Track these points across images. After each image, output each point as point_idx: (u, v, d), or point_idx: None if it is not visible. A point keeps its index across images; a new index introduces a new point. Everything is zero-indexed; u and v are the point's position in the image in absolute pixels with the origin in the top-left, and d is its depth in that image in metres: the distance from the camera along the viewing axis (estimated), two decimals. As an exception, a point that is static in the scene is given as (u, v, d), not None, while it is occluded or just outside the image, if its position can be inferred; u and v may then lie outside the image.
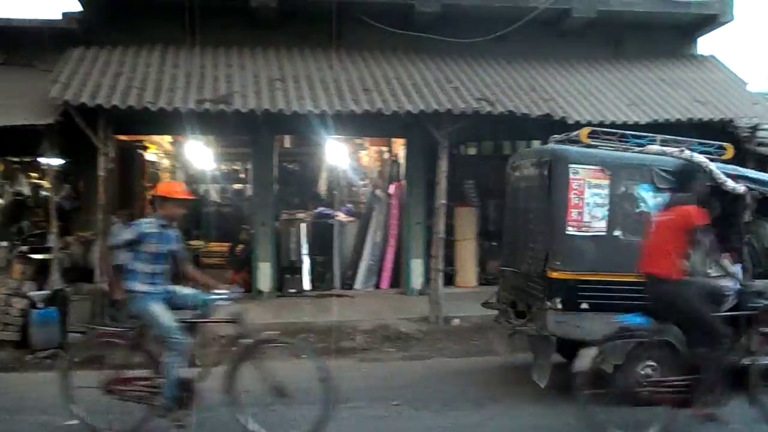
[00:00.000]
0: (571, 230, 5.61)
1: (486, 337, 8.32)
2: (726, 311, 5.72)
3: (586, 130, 6.09)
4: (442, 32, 9.71)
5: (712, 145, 6.37)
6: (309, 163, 14.43)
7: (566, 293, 5.56)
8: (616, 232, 5.69)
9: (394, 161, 11.52)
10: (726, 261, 5.96)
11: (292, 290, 10.37)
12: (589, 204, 5.65)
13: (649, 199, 5.76)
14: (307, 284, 10.55)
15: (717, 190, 5.81)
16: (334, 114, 8.45)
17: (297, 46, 9.82)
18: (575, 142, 6.09)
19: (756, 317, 5.64)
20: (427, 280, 9.32)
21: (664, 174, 5.79)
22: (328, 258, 10.86)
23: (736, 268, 5.95)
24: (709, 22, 10.55)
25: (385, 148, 12.40)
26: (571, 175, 5.64)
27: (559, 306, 5.54)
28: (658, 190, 5.76)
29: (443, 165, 8.69)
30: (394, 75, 9.30)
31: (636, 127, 8.69)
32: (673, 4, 10.14)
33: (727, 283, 5.82)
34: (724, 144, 6.49)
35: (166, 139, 12.91)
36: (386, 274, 10.86)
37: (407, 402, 5.75)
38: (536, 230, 6.04)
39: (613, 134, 6.25)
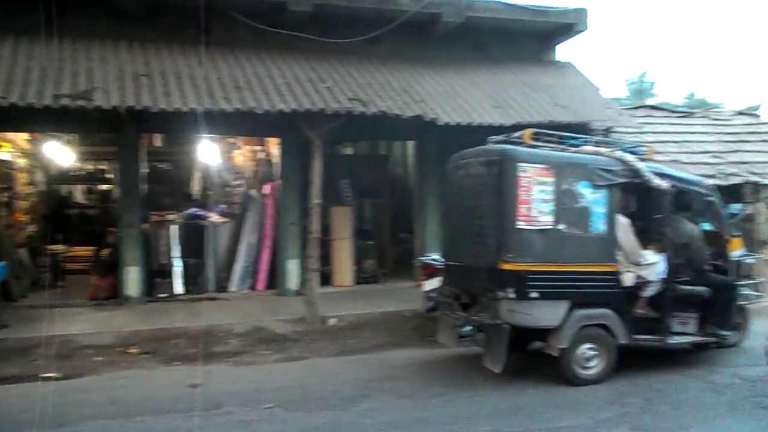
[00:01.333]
0: (520, 224, 5.97)
1: (362, 334, 8.46)
2: (650, 296, 6.52)
3: (529, 132, 6.47)
4: (315, 32, 9.69)
5: (637, 145, 7.18)
6: (181, 162, 13.94)
7: (517, 283, 5.92)
8: (561, 226, 6.11)
9: (269, 161, 11.38)
10: (651, 251, 6.61)
11: (163, 295, 9.99)
12: (536, 200, 6.03)
13: (589, 195, 6.26)
14: (179, 288, 10.18)
15: (644, 186, 6.51)
16: (204, 112, 8.18)
17: (164, 42, 9.44)
18: (516, 142, 6.45)
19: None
20: (304, 280, 9.28)
21: (600, 172, 6.30)
22: (201, 260, 10.54)
23: (660, 258, 6.59)
24: (567, 30, 11.23)
25: (259, 148, 12.22)
26: (520, 174, 5.99)
27: (512, 296, 5.90)
28: (596, 187, 6.27)
29: (317, 165, 8.68)
30: (266, 73, 9.16)
31: (501, 128, 9.10)
32: (534, 12, 10.70)
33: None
34: (646, 145, 7.27)
35: (21, 137, 12.01)
36: (262, 276, 10.71)
37: (281, 404, 5.69)
38: (486, 225, 6.30)
39: (552, 135, 6.68)
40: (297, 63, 9.64)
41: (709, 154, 11.62)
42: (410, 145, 12.35)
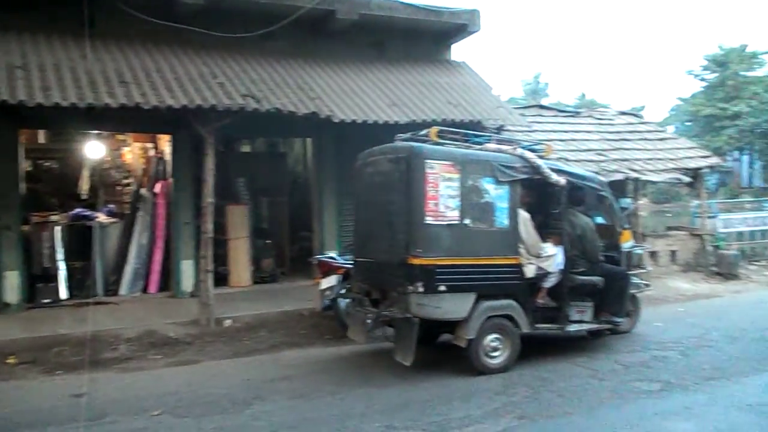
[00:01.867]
0: (428, 220, 6.13)
1: (258, 335, 8.31)
2: (550, 287, 6.92)
3: (435, 130, 6.69)
4: (207, 26, 9.39)
5: (536, 144, 7.49)
6: (67, 160, 13.18)
7: (426, 277, 6.05)
8: (467, 221, 6.33)
9: (160, 158, 10.96)
10: (550, 244, 6.92)
11: (46, 300, 9.40)
12: (443, 196, 6.21)
13: (492, 191, 6.50)
14: (63, 293, 9.61)
15: (543, 182, 6.81)
16: (87, 107, 7.79)
17: (43, 32, 8.85)
18: (423, 140, 6.57)
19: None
20: (198, 281, 9.01)
21: (503, 168, 6.57)
22: (88, 263, 9.99)
23: (558, 250, 6.89)
24: (461, 31, 11.49)
25: (150, 145, 11.74)
26: (428, 170, 6.14)
27: (421, 290, 6.02)
28: (499, 183, 6.53)
29: (210, 162, 8.44)
30: (155, 68, 8.81)
31: (396, 126, 9.20)
32: (428, 12, 10.85)
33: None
34: (544, 143, 7.60)
35: None
36: (154, 278, 10.30)
37: (169, 410, 5.50)
38: (395, 221, 6.38)
39: (457, 133, 6.91)
40: (188, 57, 9.33)
41: (593, 152, 12.24)
42: (309, 142, 12.25)
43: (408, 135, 6.91)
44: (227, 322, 8.59)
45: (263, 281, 10.99)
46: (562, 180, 6.92)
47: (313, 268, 9.31)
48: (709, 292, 11.14)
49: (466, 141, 6.94)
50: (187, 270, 9.96)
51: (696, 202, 14.49)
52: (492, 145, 7.06)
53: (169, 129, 9.96)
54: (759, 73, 53.86)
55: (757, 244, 14.90)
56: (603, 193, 7.74)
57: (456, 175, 6.30)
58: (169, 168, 10.43)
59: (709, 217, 13.91)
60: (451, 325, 6.50)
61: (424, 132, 6.74)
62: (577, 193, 7.31)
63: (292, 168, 13.93)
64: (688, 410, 5.25)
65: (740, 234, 14.58)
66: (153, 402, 5.73)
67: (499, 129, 10.14)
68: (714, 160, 13.67)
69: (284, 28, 9.69)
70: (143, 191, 10.77)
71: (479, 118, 10.09)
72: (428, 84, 10.67)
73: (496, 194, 6.52)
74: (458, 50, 11.68)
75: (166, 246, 10.31)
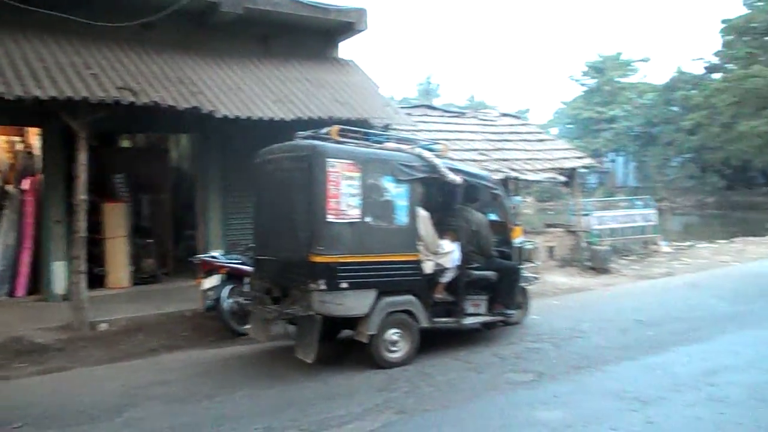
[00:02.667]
0: (330, 218, 6.15)
1: (135, 338, 7.97)
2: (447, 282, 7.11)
3: (336, 128, 6.66)
4: (81, 14, 8.83)
5: (433, 143, 7.71)
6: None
7: (328, 275, 6.11)
8: (368, 219, 6.40)
9: (29, 153, 10.28)
10: (447, 241, 7.08)
11: None
12: (345, 194, 6.25)
13: (392, 189, 6.60)
14: None
15: (440, 180, 6.97)
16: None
17: None
18: (323, 138, 6.57)
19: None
20: (71, 283, 8.51)
21: (402, 167, 6.68)
22: (-54, 266, 9.25)
23: (455, 246, 7.07)
24: (348, 29, 11.49)
25: (17, 138, 10.99)
26: (329, 169, 6.17)
27: (323, 287, 6.07)
28: (398, 181, 6.63)
29: (82, 157, 7.98)
30: (21, 56, 8.21)
31: (282, 123, 9.09)
32: (315, 9, 10.78)
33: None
34: (441, 143, 7.87)
35: None
36: (22, 280, 9.64)
37: (32, 422, 5.16)
38: (297, 219, 6.39)
39: (358, 132, 6.96)
40: (59, 46, 8.76)
41: (476, 152, 12.63)
42: (193, 138, 11.87)
43: (308, 133, 6.90)
44: (102, 326, 8.17)
45: (144, 282, 10.55)
46: (458, 178, 7.12)
47: (197, 268, 9.04)
48: (582, 286, 11.75)
49: (366, 140, 7.02)
50: (58, 272, 9.39)
51: (573, 200, 15.26)
52: (391, 145, 7.15)
53: (39, 122, 9.36)
54: (632, 79, 57.75)
55: (628, 240, 15.89)
56: (496, 191, 8.05)
57: (357, 174, 6.36)
58: (38, 163, 9.79)
59: (584, 215, 14.71)
60: (353, 322, 6.56)
61: (325, 130, 6.76)
62: (473, 191, 7.56)
63: (176, 164, 13.46)
64: (556, 399, 5.50)
65: (613, 230, 15.49)
66: (15, 414, 5.36)
67: (386, 127, 10.23)
68: (588, 161, 14.47)
69: (166, 19, 9.31)
70: (9, 188, 10.06)
71: (366, 116, 10.14)
72: (315, 81, 10.60)
73: (396, 193, 6.63)
74: (347, 48, 11.74)
75: (36, 246, 9.68)
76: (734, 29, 32.29)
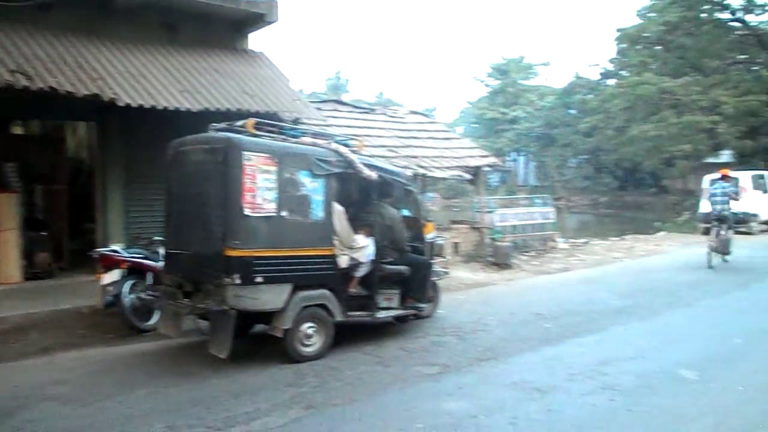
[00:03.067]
0: (246, 211, 6.10)
1: (28, 337, 7.56)
2: (361, 276, 7.24)
3: (251, 121, 6.56)
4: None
5: (349, 139, 7.71)
6: None
7: (243, 269, 6.06)
8: (284, 213, 6.38)
9: None
10: (362, 235, 7.15)
11: None
12: (261, 188, 6.21)
13: (308, 183, 6.61)
14: None
15: (355, 176, 7.00)
16: None
17: None
18: (239, 131, 6.45)
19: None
20: (-46, 279, 7.97)
21: (319, 162, 6.69)
22: None
23: (370, 241, 7.16)
24: (258, 20, 11.33)
25: None
26: (245, 162, 6.12)
27: (238, 281, 6.01)
28: (315, 176, 6.65)
29: (-33, 145, 7.50)
30: None
31: (188, 114, 8.85)
32: (224, -1, 10.56)
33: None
34: (357, 138, 7.94)
35: None
36: None
37: None
38: (211, 212, 6.29)
39: (273, 126, 6.90)
40: (-56, 26, 8.18)
41: (385, 148, 12.77)
42: (93, 127, 11.33)
43: (223, 125, 6.77)
44: (-10, 324, 7.69)
45: (37, 277, 9.99)
46: (373, 174, 7.19)
47: (96, 262, 8.66)
48: (486, 281, 12.13)
49: (283, 134, 6.97)
50: (-59, 267, 8.76)
51: (477, 197, 15.70)
52: (308, 139, 7.14)
53: None
54: (534, 82, 59.93)
55: (528, 236, 16.52)
56: (409, 187, 8.20)
57: (273, 168, 6.33)
58: None
59: (488, 212, 15.17)
60: (267, 316, 6.52)
61: (240, 123, 6.67)
62: (387, 187, 7.66)
63: (74, 154, 12.83)
64: (461, 390, 5.67)
65: (514, 227, 16.06)
66: None
67: (296, 122, 10.16)
68: (492, 160, 14.95)
69: (65, 1, 8.87)
70: None
71: (275, 109, 10.05)
72: (223, 72, 10.39)
73: (312, 187, 6.65)
74: (257, 40, 11.53)
75: None
76: (628, 38, 34.06)
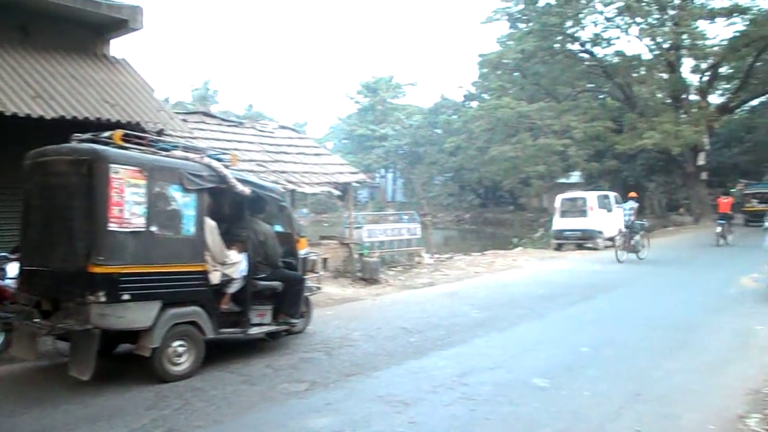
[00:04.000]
0: (112, 227, 5.84)
1: None
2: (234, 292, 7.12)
3: (119, 133, 6.31)
4: None
5: (221, 153, 7.56)
6: None
7: (109, 286, 5.80)
8: (153, 228, 6.16)
9: None
10: (234, 251, 7.01)
11: None
12: (129, 202, 5.98)
13: (180, 198, 6.42)
14: None
15: (228, 191, 6.90)
16: None
17: None
18: (105, 142, 6.11)
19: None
20: None
21: (190, 177, 6.51)
22: None
23: (242, 257, 7.05)
24: (121, 26, 10.82)
25: None
26: (112, 175, 5.86)
27: (103, 299, 5.75)
28: (186, 190, 6.46)
29: None
30: None
31: (42, 121, 8.32)
32: (84, 1, 10.01)
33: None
34: (231, 153, 7.82)
35: None
36: None
37: None
38: (74, 227, 5.99)
39: (143, 138, 6.67)
40: None
41: (254, 163, 12.62)
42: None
43: (87, 136, 6.41)
44: None
45: None
46: (246, 189, 7.10)
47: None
48: (354, 296, 12.27)
49: (152, 146, 6.71)
50: None
51: (346, 213, 15.88)
52: (179, 153, 6.91)
53: None
54: (402, 101, 61.66)
55: (395, 252, 16.91)
56: (282, 203, 8.16)
57: (143, 182, 6.11)
58: None
59: (356, 228, 15.38)
60: (134, 335, 6.24)
61: (107, 134, 6.36)
62: (260, 202, 7.60)
63: None
64: (328, 406, 5.70)
65: (382, 243, 16.38)
66: None
67: (160, 133, 9.80)
68: (360, 177, 15.20)
69: None
70: None
71: (138, 119, 9.65)
72: (82, 78, 9.82)
73: (184, 202, 6.48)
74: (120, 47, 11.02)
75: None
76: (489, 63, 35.96)
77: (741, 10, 29.69)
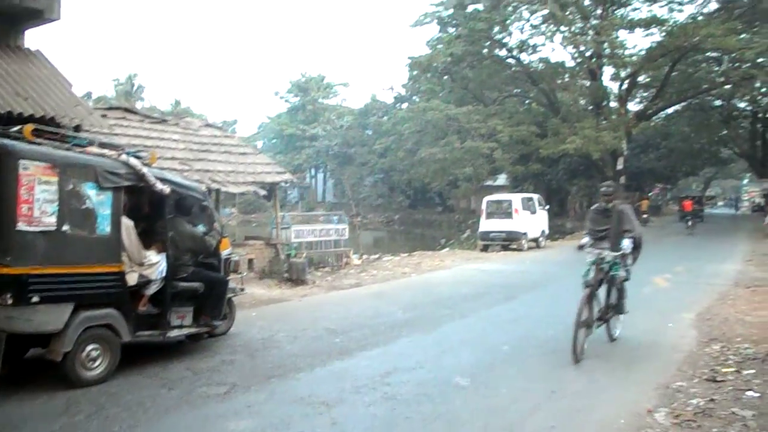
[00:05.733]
0: (21, 226, 5.62)
1: None
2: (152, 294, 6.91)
3: (29, 127, 6.06)
4: None
5: (140, 150, 7.38)
6: None
7: (16, 288, 5.59)
8: (65, 227, 5.94)
9: None
10: (153, 252, 6.83)
11: None
12: (39, 200, 5.73)
13: (94, 196, 6.22)
14: None
15: (147, 190, 6.68)
16: None
17: None
18: (14, 137, 5.87)
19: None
20: None
21: (106, 174, 6.31)
22: None
23: (161, 257, 6.87)
24: (35, 16, 10.32)
25: None
26: (21, 171, 5.62)
27: (10, 301, 5.55)
28: (101, 188, 6.27)
29: None
30: None
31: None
32: (-5, -11, 9.55)
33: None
34: (150, 150, 7.53)
35: None
36: None
37: None
38: None
39: (56, 133, 6.44)
40: None
41: (177, 161, 12.32)
42: None
43: None
44: None
45: None
46: (166, 188, 6.92)
47: None
48: (280, 297, 12.15)
49: (66, 142, 6.46)
50: None
51: (280, 214, 15.72)
52: (94, 149, 6.68)
53: None
54: (333, 101, 61.58)
55: (323, 252, 16.86)
56: (205, 202, 7.96)
57: (54, 179, 5.87)
58: None
59: (284, 228, 15.24)
60: (45, 339, 5.98)
61: (16, 128, 6.08)
62: (181, 201, 7.40)
63: None
64: (249, 408, 5.62)
65: (310, 243, 16.30)
66: None
67: (77, 128, 9.44)
68: (287, 177, 15.08)
69: None
70: None
71: (53, 114, 9.24)
72: (-8, 71, 9.36)
73: (98, 200, 6.27)
74: (36, 38, 10.52)
75: None
76: (419, 65, 36.30)
77: (659, 22, 31.04)
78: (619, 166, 33.54)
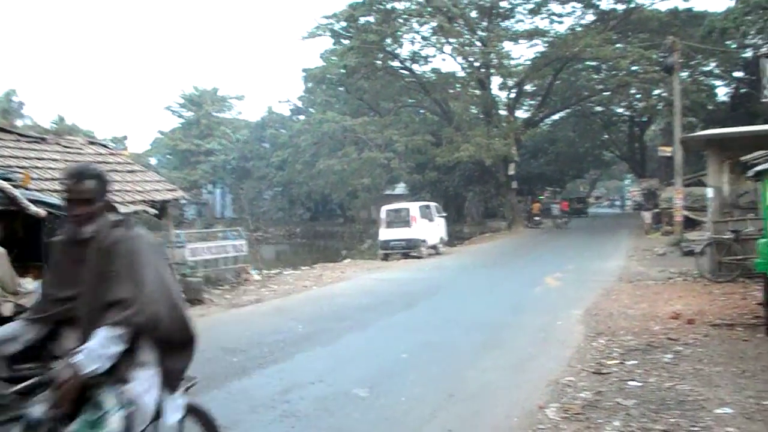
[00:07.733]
0: None
1: None
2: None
3: None
4: None
5: (11, 172, 7.11)
6: None
7: None
8: None
9: None
10: (29, 279, 6.43)
11: None
12: None
13: None
14: None
15: (20, 213, 6.41)
16: None
17: None
18: None
19: None
20: None
21: None
22: None
23: (36, 285, 6.34)
24: None
25: None
26: None
27: None
28: None
29: None
30: None
31: None
32: None
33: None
34: (22, 171, 7.23)
35: None
36: None
37: None
38: None
39: None
40: None
41: (57, 181, 11.63)
42: None
43: None
44: None
45: None
46: (42, 211, 6.48)
47: None
48: (175, 319, 11.68)
49: None
50: None
51: (174, 232, 15.17)
52: None
53: None
54: (228, 115, 60.45)
55: (221, 270, 16.44)
56: None
57: None
58: None
59: (179, 247, 14.74)
60: None
61: None
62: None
63: None
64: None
65: (207, 261, 15.84)
66: None
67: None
68: (179, 194, 14.57)
69: None
70: None
71: None
72: None
73: None
74: None
75: None
76: (313, 77, 36.38)
77: (540, 33, 32.60)
78: (511, 171, 34.84)
